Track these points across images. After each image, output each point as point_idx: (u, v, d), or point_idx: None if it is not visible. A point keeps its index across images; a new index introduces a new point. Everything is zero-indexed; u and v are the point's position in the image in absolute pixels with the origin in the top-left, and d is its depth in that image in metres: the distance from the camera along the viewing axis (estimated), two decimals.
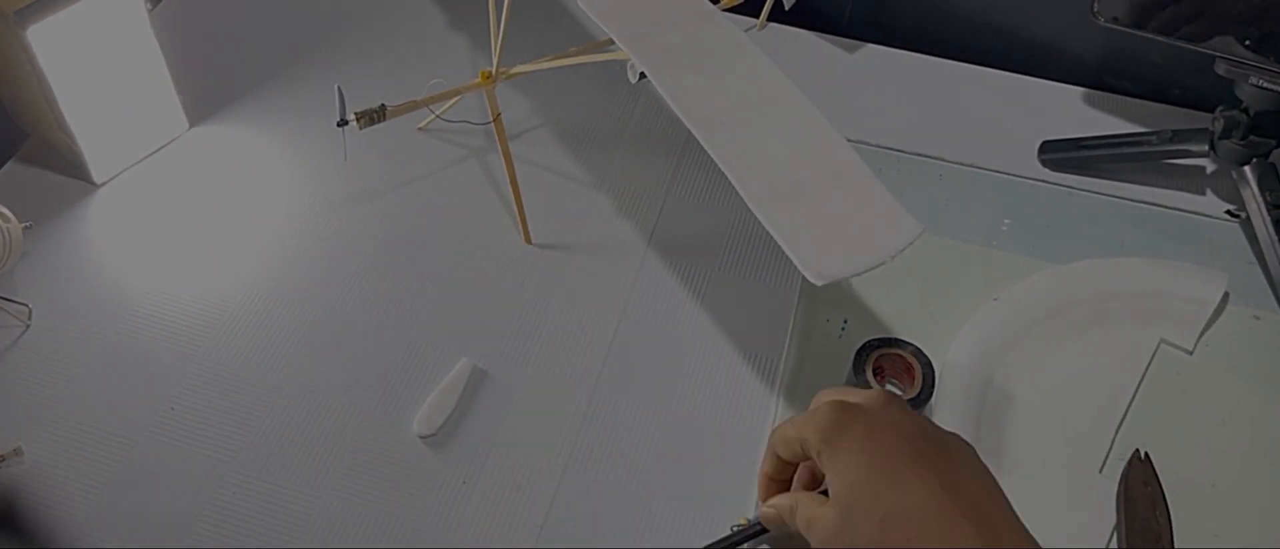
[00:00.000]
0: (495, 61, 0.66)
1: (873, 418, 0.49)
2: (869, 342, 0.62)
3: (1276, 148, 0.72)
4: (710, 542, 0.56)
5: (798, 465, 0.54)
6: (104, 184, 0.72)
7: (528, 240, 0.69)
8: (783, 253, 0.72)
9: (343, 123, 0.59)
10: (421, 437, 0.60)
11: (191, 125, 0.75)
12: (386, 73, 0.81)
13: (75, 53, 0.65)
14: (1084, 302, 0.69)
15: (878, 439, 0.48)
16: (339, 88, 0.58)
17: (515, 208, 0.69)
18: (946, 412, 0.62)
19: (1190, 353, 0.66)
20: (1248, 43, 0.68)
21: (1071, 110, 0.83)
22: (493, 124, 0.66)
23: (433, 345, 0.64)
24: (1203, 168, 0.78)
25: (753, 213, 0.74)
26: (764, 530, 0.55)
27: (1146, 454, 0.60)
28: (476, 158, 0.75)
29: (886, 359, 0.62)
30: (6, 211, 0.61)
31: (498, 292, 0.68)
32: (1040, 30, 0.86)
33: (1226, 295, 0.70)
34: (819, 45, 0.86)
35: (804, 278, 0.70)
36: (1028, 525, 0.47)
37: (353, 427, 0.60)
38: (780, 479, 0.55)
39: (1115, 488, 0.59)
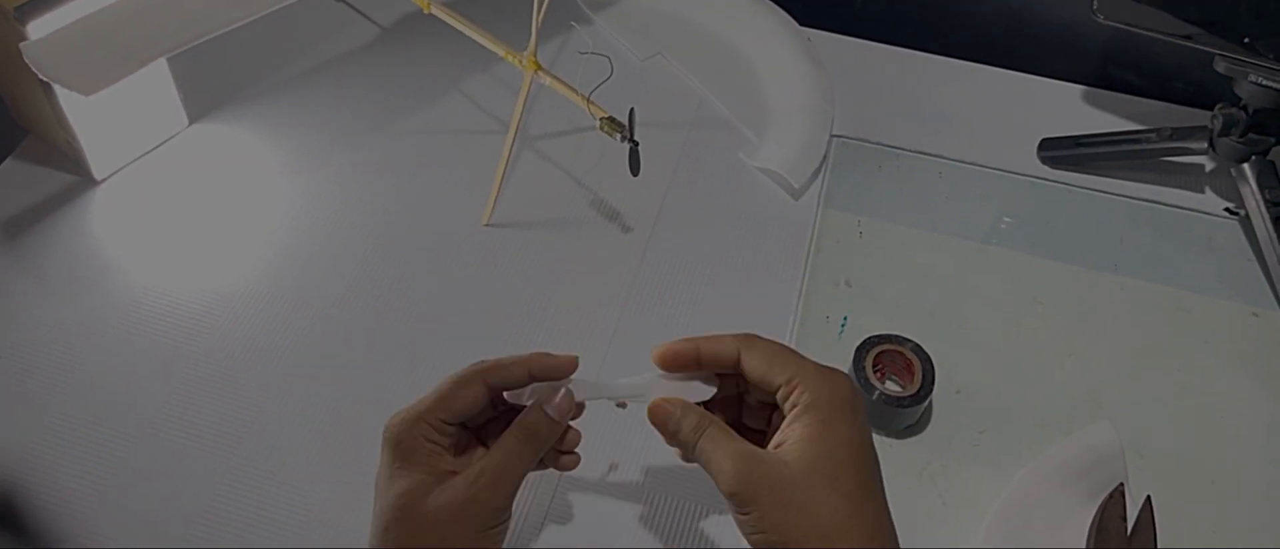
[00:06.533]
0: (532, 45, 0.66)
1: (861, 407, 0.49)
2: (869, 338, 0.62)
3: (1275, 145, 0.72)
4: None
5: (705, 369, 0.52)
6: (104, 180, 0.71)
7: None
8: (782, 253, 0.72)
9: (634, 142, 0.64)
10: None
11: (191, 122, 0.75)
12: (386, 71, 0.81)
13: None
14: None
15: (865, 431, 0.48)
16: (631, 109, 0.63)
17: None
18: None
19: None
20: (1247, 40, 0.68)
21: (1071, 108, 0.83)
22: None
23: (432, 344, 0.64)
24: (1202, 165, 0.78)
25: (752, 213, 0.74)
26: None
27: (1122, 489, 0.57)
28: (477, 153, 0.75)
29: (886, 356, 0.62)
30: None
31: (500, 288, 0.68)
32: (1040, 28, 0.86)
33: None
34: (820, 43, 0.86)
35: (805, 277, 0.70)
36: None
37: (352, 424, 0.60)
38: (690, 364, 0.51)
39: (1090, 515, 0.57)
